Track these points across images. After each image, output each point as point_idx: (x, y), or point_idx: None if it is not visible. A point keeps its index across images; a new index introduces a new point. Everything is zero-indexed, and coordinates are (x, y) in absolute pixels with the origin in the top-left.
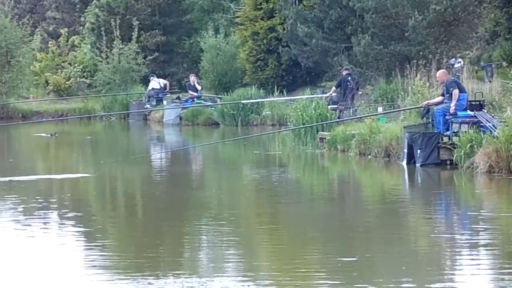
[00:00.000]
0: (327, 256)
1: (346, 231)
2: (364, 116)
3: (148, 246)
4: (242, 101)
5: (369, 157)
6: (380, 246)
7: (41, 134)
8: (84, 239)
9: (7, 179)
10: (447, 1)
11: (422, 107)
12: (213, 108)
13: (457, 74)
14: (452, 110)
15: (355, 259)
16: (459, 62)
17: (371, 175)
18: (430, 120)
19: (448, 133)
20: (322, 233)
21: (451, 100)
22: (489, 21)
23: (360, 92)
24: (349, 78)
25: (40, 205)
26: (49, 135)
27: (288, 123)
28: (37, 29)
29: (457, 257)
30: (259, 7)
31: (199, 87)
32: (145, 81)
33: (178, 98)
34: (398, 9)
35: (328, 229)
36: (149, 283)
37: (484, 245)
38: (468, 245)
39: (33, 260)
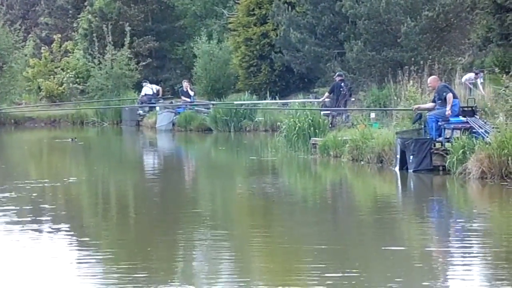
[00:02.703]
0: (322, 269)
1: (340, 241)
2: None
3: (142, 258)
4: (236, 102)
5: (362, 163)
6: (373, 256)
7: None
8: (76, 251)
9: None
10: (439, 7)
11: (412, 109)
12: (206, 114)
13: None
14: (448, 113)
15: (350, 271)
16: (480, 76)
17: (364, 181)
18: (423, 126)
19: (440, 139)
20: (317, 244)
21: (442, 106)
22: (481, 27)
23: (353, 99)
24: (342, 84)
25: (31, 213)
26: (70, 140)
27: (281, 130)
28: (30, 35)
29: (451, 266)
30: (252, 13)
31: (192, 93)
32: (138, 87)
33: (171, 103)
34: (390, 15)
35: (322, 240)
36: None
37: (478, 254)
38: (462, 254)
39: (23, 274)
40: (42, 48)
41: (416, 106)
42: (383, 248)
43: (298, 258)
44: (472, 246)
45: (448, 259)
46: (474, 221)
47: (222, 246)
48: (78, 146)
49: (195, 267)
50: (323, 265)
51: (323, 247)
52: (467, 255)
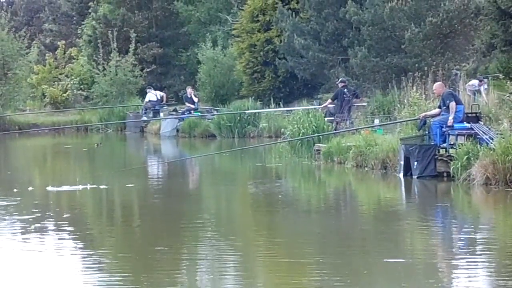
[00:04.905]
0: (325, 277)
1: (343, 251)
2: (360, 128)
3: (144, 266)
4: (242, 111)
5: (366, 169)
6: (377, 267)
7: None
8: (81, 261)
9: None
10: (443, 13)
11: (419, 119)
12: (210, 120)
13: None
14: (450, 122)
15: (353, 283)
16: (484, 83)
17: (368, 188)
18: (427, 132)
19: (444, 145)
20: (321, 255)
21: (448, 112)
22: (486, 33)
23: (365, 103)
24: (345, 90)
25: (33, 219)
26: (95, 145)
27: (285, 136)
28: (34, 42)
29: (455, 277)
30: (255, 19)
31: (196, 99)
32: (142, 93)
33: (175, 110)
34: (394, 22)
35: (326, 246)
36: None
37: (483, 264)
38: (466, 264)
39: (27, 280)
40: (47, 54)
41: (423, 114)
42: (386, 260)
43: (301, 269)
44: (477, 256)
45: (452, 269)
46: (479, 229)
47: (226, 255)
48: (83, 152)
49: (198, 277)
50: (327, 277)
51: (326, 259)
52: (472, 265)
